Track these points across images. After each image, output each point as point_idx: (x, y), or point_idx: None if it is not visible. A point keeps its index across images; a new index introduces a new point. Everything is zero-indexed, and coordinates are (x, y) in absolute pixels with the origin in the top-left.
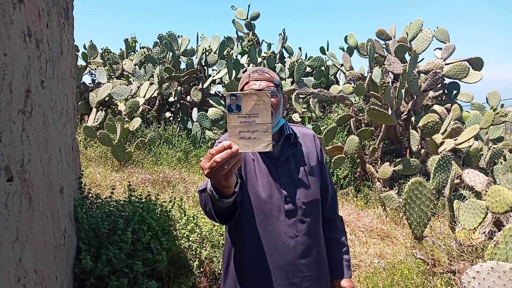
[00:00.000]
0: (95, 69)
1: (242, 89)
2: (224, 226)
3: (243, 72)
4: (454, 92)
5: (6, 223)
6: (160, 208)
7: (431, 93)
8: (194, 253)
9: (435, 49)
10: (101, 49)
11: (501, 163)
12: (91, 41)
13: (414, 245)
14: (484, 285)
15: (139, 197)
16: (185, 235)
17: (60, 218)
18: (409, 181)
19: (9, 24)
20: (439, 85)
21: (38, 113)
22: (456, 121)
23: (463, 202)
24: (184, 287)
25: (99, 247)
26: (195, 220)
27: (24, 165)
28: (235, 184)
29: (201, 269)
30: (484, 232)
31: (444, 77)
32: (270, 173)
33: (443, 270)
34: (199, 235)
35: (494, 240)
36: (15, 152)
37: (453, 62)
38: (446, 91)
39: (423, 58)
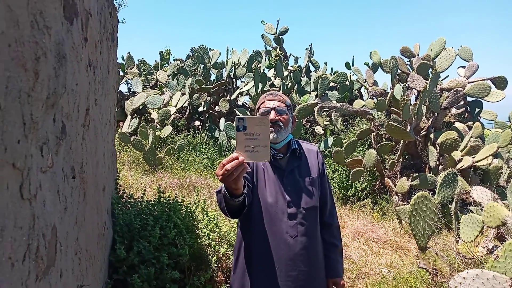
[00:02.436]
0: (132, 79)
1: (259, 107)
2: (237, 226)
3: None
4: (477, 110)
5: (72, 209)
6: (185, 209)
7: (454, 111)
8: (213, 250)
9: (458, 67)
10: (138, 60)
11: (509, 181)
12: (129, 52)
13: (418, 255)
14: None
15: (167, 198)
16: (206, 233)
17: (102, 212)
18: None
19: (80, 61)
20: (462, 103)
21: (92, 125)
22: (477, 138)
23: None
24: (203, 279)
25: (131, 240)
26: (216, 221)
27: (83, 166)
28: (243, 187)
29: (219, 265)
30: (487, 246)
31: (465, 95)
32: (277, 181)
33: (444, 280)
34: (218, 235)
35: (495, 254)
36: (78, 157)
37: (476, 81)
38: (468, 109)
39: (447, 76)
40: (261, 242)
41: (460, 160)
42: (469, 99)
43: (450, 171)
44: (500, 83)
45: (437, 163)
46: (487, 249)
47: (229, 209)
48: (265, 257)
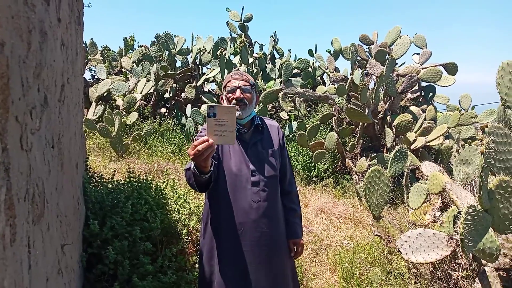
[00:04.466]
0: (95, 65)
1: (225, 86)
2: (204, 196)
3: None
4: (430, 94)
5: (54, 174)
6: (155, 188)
7: (410, 95)
8: (183, 224)
9: (413, 54)
10: (101, 46)
11: (455, 157)
12: (92, 39)
13: (373, 224)
14: (413, 247)
15: (137, 178)
16: (176, 209)
17: (76, 188)
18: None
19: (56, 39)
20: (417, 88)
21: (66, 102)
22: (430, 121)
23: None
24: (174, 250)
25: (104, 216)
26: (185, 197)
27: (60, 138)
28: (211, 165)
29: (189, 238)
30: (434, 214)
31: (420, 80)
32: (241, 153)
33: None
34: (188, 210)
35: (440, 220)
36: (56, 128)
37: (429, 67)
38: (423, 93)
39: (404, 62)
40: (227, 208)
41: (414, 140)
42: (423, 84)
43: (400, 147)
44: (451, 69)
45: (394, 144)
46: (434, 217)
47: (197, 184)
48: (231, 221)
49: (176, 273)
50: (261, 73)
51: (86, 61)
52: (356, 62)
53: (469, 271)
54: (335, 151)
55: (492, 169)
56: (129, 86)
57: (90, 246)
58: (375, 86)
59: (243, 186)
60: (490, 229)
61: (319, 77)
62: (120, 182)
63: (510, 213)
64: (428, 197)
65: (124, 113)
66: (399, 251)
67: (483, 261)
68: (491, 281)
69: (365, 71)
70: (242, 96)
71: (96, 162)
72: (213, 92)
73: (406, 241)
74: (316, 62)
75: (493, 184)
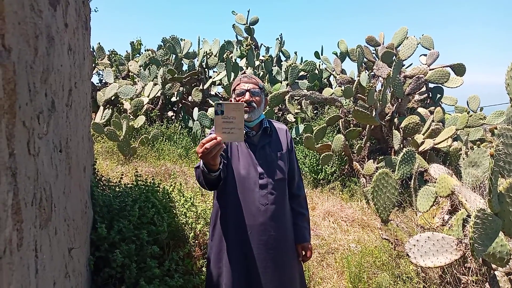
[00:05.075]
0: (103, 69)
1: (235, 89)
2: (213, 196)
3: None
4: (438, 96)
5: (61, 178)
6: (162, 191)
7: (417, 97)
8: (190, 227)
9: (420, 55)
10: (108, 51)
11: (463, 159)
12: (99, 43)
13: (381, 227)
14: (422, 251)
15: (145, 181)
16: (183, 212)
17: (84, 191)
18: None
19: (63, 44)
20: (424, 89)
21: (73, 106)
22: (438, 123)
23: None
24: (181, 254)
25: (111, 220)
26: (192, 200)
27: (68, 142)
28: (220, 163)
29: (196, 241)
30: (442, 218)
31: (427, 82)
32: (249, 155)
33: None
34: (195, 213)
35: (449, 224)
36: (63, 132)
37: (436, 68)
38: (430, 95)
39: (411, 63)
40: (235, 211)
41: (422, 142)
42: (431, 85)
43: (408, 149)
44: (459, 69)
45: (401, 146)
46: (443, 220)
47: (206, 182)
48: (239, 223)
49: (183, 276)
50: (268, 75)
51: (93, 65)
52: (363, 63)
53: (479, 275)
54: (342, 153)
55: (502, 171)
56: (136, 90)
57: (97, 249)
58: (382, 87)
59: (251, 189)
60: (500, 232)
61: (326, 79)
62: (128, 185)
63: None
64: (436, 200)
65: (131, 117)
66: (407, 255)
67: (493, 266)
68: (501, 286)
69: (372, 73)
70: (251, 99)
71: (104, 166)
72: (220, 95)
73: (414, 245)
74: (322, 64)
75: (503, 187)
